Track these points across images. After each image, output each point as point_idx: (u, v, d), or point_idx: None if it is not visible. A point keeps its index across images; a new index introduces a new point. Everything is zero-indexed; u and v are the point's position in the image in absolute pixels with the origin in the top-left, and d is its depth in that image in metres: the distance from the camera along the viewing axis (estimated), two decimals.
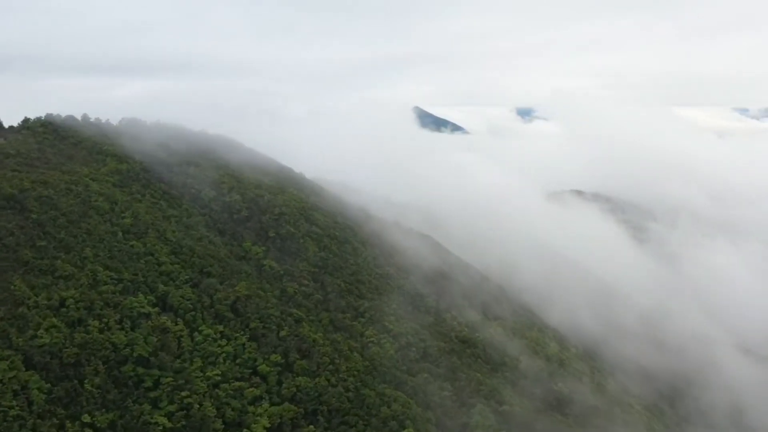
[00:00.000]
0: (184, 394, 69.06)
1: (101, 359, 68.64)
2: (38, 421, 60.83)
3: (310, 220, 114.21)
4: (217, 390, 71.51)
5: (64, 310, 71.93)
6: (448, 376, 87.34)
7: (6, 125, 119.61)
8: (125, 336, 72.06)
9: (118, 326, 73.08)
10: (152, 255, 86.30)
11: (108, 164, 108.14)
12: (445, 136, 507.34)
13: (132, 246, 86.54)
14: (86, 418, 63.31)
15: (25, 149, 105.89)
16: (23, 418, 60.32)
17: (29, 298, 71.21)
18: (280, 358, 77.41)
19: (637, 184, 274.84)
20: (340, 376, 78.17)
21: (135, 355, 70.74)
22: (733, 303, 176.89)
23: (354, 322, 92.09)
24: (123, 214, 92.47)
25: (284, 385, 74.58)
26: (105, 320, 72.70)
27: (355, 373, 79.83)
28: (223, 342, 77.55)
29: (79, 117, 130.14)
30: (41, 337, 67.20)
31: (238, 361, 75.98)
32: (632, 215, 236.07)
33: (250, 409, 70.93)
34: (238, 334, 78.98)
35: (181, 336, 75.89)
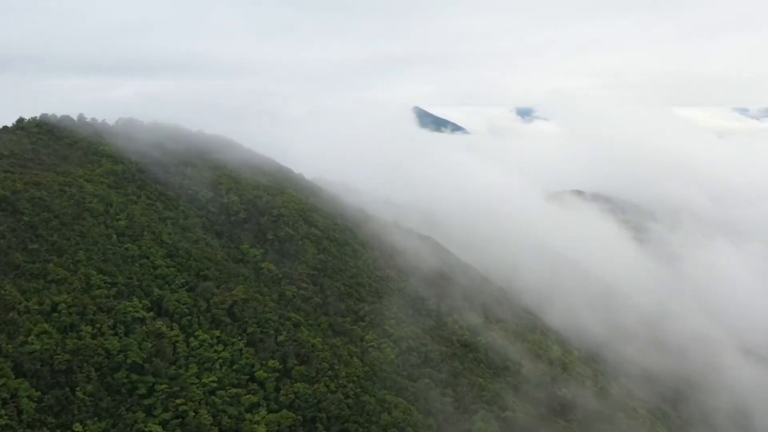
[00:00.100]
0: (179, 401, 67.22)
1: (94, 366, 66.70)
2: (28, 430, 58.94)
3: (309, 222, 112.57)
4: (213, 397, 69.70)
5: (55, 315, 70.13)
6: (449, 381, 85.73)
7: (3, 125, 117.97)
8: (119, 342, 70.18)
9: (112, 332, 71.22)
10: (147, 258, 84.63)
11: (103, 165, 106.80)
12: (445, 136, 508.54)
13: (127, 249, 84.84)
14: (78, 427, 61.49)
15: (19, 150, 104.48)
16: (12, 427, 58.40)
17: (20, 303, 69.37)
18: (278, 363, 75.60)
19: (637, 184, 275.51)
20: (340, 381, 76.48)
21: (129, 361, 68.89)
22: (734, 303, 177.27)
23: (354, 326, 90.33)
24: (118, 216, 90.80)
25: (282, 391, 72.81)
26: (98, 325, 70.84)
27: (355, 378, 78.20)
28: (220, 347, 75.84)
29: (76, 117, 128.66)
30: (32, 344, 65.29)
31: (235, 367, 74.22)
32: (632, 215, 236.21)
33: (248, 416, 69.16)
34: (235, 339, 77.20)
35: (177, 341, 74.04)
